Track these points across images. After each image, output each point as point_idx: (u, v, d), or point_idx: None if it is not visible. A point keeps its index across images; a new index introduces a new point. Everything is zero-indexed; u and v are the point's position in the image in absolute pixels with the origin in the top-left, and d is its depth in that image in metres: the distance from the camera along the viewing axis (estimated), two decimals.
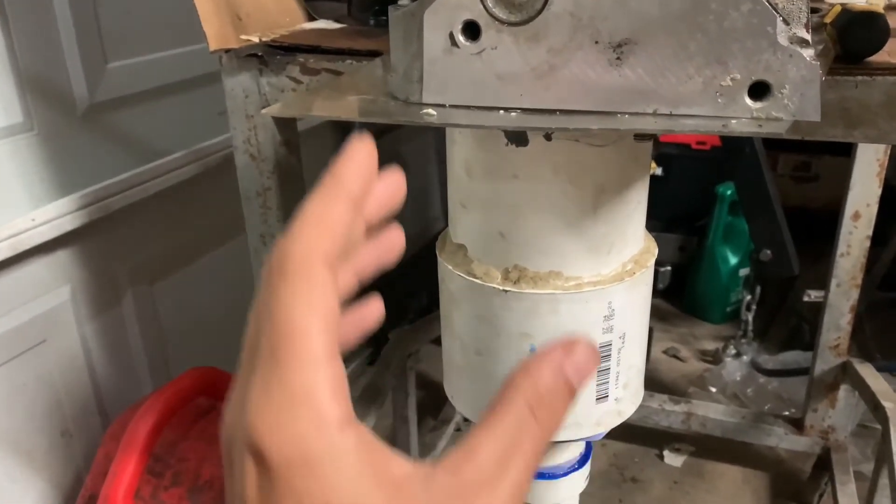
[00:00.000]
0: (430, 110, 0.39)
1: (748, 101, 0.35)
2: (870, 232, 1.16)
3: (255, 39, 0.64)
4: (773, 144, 2.15)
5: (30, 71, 0.97)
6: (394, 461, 0.22)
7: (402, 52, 0.41)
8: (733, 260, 1.93)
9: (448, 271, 0.49)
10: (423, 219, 2.07)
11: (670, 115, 0.36)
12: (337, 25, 0.74)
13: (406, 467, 0.22)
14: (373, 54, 0.60)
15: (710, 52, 0.35)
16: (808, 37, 0.36)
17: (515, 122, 0.38)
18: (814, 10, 0.61)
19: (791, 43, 0.35)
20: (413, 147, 1.95)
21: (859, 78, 0.48)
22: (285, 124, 0.67)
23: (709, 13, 0.34)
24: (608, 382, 0.48)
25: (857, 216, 1.15)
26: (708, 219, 1.95)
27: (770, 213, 1.59)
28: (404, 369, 1.16)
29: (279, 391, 0.21)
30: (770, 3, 0.34)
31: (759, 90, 0.35)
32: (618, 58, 0.36)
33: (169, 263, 1.25)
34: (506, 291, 0.46)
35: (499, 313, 0.47)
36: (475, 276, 0.47)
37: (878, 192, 1.14)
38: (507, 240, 0.46)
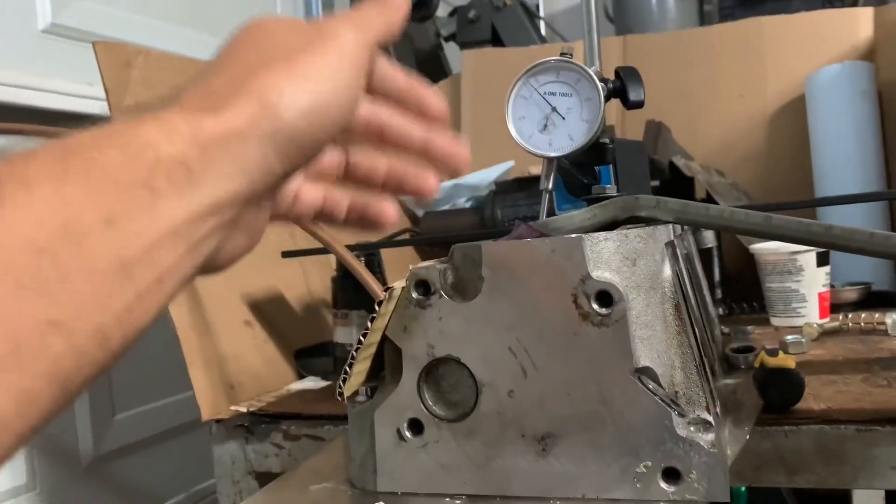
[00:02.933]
0: None
1: (663, 484, 0.39)
2: None
3: (244, 409, 0.70)
4: None
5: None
6: None
7: (358, 445, 0.46)
8: None
9: None
10: None
11: (597, 499, 0.40)
12: (323, 384, 0.81)
13: None
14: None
15: (621, 444, 0.39)
16: (710, 418, 0.41)
17: None
18: (748, 349, 0.68)
19: (692, 430, 0.39)
20: None
21: (787, 427, 0.52)
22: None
23: (613, 410, 0.39)
24: None
25: None
26: None
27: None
28: None
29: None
30: (665, 397, 0.40)
31: (671, 475, 0.39)
32: (543, 449, 0.41)
33: None
34: None
35: None
36: None
37: (882, 492, 1.11)
38: None
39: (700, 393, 0.42)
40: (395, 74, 0.36)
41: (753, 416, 0.52)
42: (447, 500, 0.43)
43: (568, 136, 0.50)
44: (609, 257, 0.40)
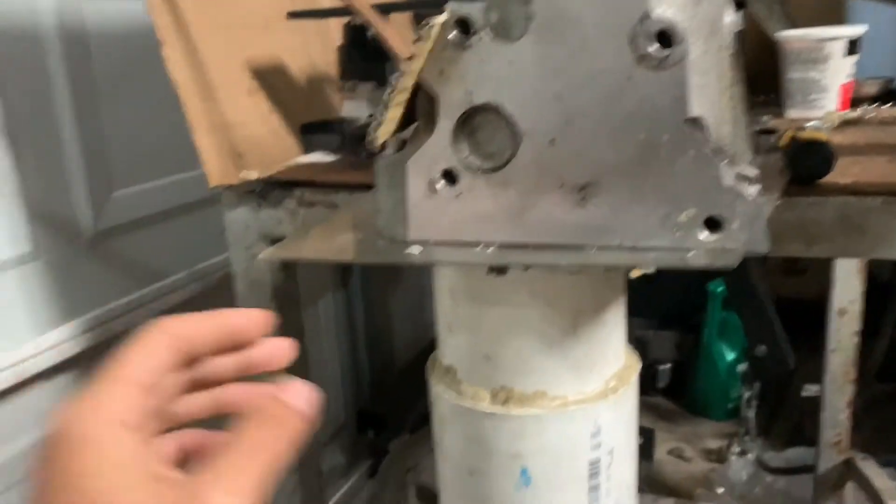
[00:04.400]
0: (414, 248, 0.43)
1: (703, 234, 0.39)
2: (857, 327, 1.19)
3: (254, 176, 0.69)
4: None
5: (37, 202, 1.02)
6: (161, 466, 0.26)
7: (388, 196, 0.45)
8: (730, 356, 1.94)
9: (438, 393, 0.51)
10: (419, 325, 2.09)
11: (633, 248, 0.40)
12: (331, 158, 0.79)
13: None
14: (364, 187, 0.64)
15: (664, 193, 0.39)
16: (753, 174, 0.40)
17: (492, 258, 0.42)
18: (771, 131, 0.66)
19: (737, 181, 0.38)
20: None
21: (812, 199, 0.52)
22: None
23: (659, 159, 0.38)
24: (598, 500, 0.49)
25: (842, 312, 1.17)
26: (703, 314, 1.97)
27: (760, 309, 1.61)
28: (404, 484, 1.15)
29: None
30: (714, 148, 0.38)
31: (713, 224, 0.39)
32: (582, 198, 0.40)
33: None
34: (493, 414, 0.48)
35: (488, 434, 0.48)
36: (464, 398, 0.49)
37: (861, 288, 1.17)
38: (493, 362, 0.48)
39: (746, 149, 0.41)
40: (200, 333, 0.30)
41: (780, 187, 0.52)
42: (479, 247, 0.43)
43: None
44: None
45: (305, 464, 0.79)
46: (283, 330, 0.79)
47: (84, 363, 1.09)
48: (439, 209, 0.43)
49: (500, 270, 0.47)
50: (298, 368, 0.82)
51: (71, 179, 1.08)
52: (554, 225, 0.41)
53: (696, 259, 0.38)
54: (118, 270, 1.16)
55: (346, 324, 1.87)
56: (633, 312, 0.53)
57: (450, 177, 0.42)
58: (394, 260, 0.42)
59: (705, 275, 1.93)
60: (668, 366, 2.04)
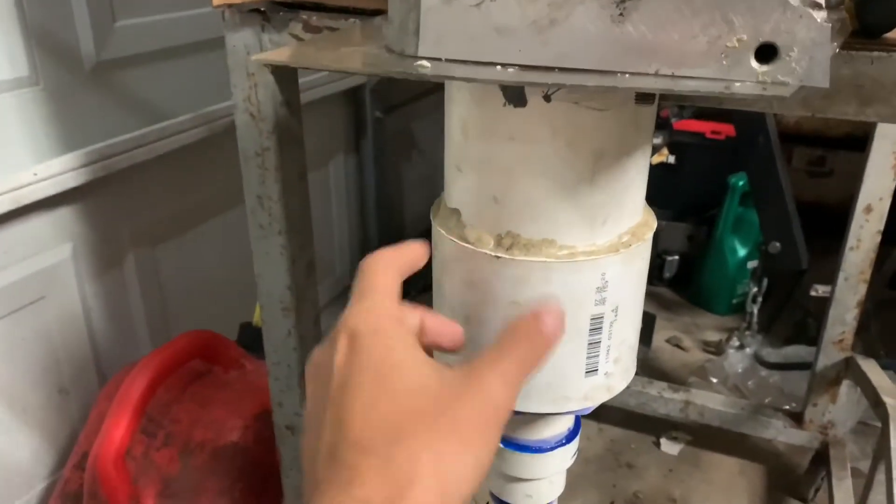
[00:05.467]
0: (425, 62, 0.38)
1: (754, 63, 0.34)
2: (881, 227, 1.14)
3: None
4: (789, 138, 2.12)
5: (37, 26, 0.96)
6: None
7: (399, 2, 0.40)
8: (742, 251, 1.91)
9: (440, 236, 0.48)
10: (432, 196, 2.06)
11: (672, 76, 0.35)
12: None
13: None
14: (377, 13, 0.59)
15: (716, 10, 0.33)
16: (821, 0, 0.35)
17: (512, 76, 0.37)
18: None
19: (802, 4, 0.33)
20: (423, 123, 1.93)
21: (875, 54, 0.46)
22: (286, 84, 0.66)
23: None
24: (598, 356, 0.47)
25: (868, 209, 1.13)
26: (718, 209, 1.93)
27: (781, 205, 1.57)
28: None
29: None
30: None
31: (766, 53, 0.34)
32: (620, 13, 0.35)
33: (171, 227, 1.24)
34: (497, 257, 0.45)
35: (489, 279, 0.46)
36: (467, 242, 0.46)
37: (892, 186, 1.11)
38: (501, 205, 0.45)
39: None
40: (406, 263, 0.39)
41: (842, 39, 0.46)
42: (498, 67, 0.38)
43: None
44: None
45: (306, 327, 0.78)
46: (282, 171, 0.75)
47: (87, 197, 1.07)
48: (456, 20, 0.38)
49: (517, 102, 0.42)
50: (302, 220, 0.78)
51: (70, 2, 1.02)
52: (585, 44, 0.36)
53: (743, 89, 0.33)
54: (121, 105, 1.12)
55: (357, 189, 1.84)
56: (649, 202, 0.49)
57: None
58: (402, 71, 0.38)
59: (727, 167, 1.87)
60: (676, 257, 2.02)
